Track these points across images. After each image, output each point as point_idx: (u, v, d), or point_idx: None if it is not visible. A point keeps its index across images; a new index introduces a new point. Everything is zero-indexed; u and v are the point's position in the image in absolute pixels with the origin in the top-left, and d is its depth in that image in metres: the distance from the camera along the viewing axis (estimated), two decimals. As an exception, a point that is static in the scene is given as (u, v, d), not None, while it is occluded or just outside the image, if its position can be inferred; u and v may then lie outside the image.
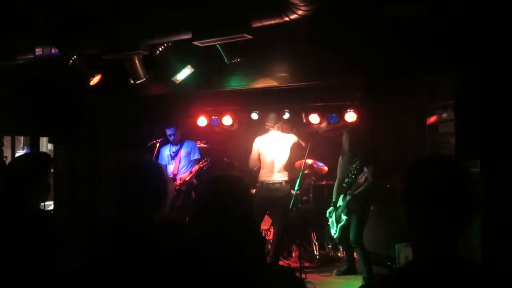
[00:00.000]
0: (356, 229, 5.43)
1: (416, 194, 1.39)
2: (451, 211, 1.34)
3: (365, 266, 5.35)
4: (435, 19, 4.00)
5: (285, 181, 5.72)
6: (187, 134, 7.07)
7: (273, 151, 5.81)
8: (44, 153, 2.99)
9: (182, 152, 6.54)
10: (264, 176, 5.78)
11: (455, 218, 1.35)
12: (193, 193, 6.45)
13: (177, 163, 6.51)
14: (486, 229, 3.65)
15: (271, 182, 5.70)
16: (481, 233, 3.75)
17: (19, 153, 8.88)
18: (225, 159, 7.21)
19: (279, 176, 5.72)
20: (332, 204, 5.74)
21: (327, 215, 5.76)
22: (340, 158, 5.83)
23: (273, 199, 5.63)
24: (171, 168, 6.50)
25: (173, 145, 6.60)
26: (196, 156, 6.57)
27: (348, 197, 5.42)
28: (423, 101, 6.16)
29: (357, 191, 5.37)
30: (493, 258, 3.55)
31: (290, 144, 5.81)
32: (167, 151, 6.66)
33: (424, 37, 4.22)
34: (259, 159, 5.86)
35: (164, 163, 6.50)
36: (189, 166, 6.54)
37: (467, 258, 1.37)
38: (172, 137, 6.52)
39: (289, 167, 5.88)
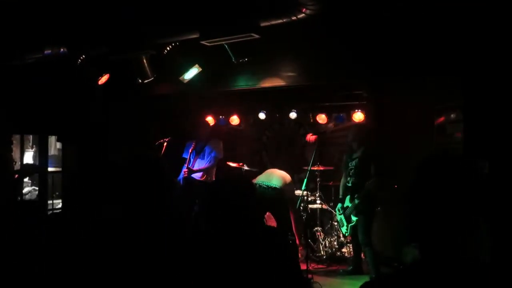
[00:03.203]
0: (364, 230, 5.41)
1: (425, 191, 1.37)
2: (460, 211, 1.32)
3: (373, 266, 5.33)
4: (442, 18, 3.99)
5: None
6: (214, 132, 7.09)
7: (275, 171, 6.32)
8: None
9: (207, 150, 6.56)
10: (261, 178, 6.10)
11: (463, 218, 1.32)
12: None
13: (197, 158, 6.53)
14: (494, 229, 3.63)
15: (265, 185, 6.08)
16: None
17: (28, 152, 8.94)
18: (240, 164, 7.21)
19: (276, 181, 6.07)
20: (339, 201, 5.78)
21: (337, 212, 5.78)
22: (345, 156, 5.88)
23: (268, 201, 5.84)
24: (191, 162, 6.53)
25: (200, 142, 6.60)
26: (215, 154, 6.56)
27: (356, 201, 5.41)
28: (431, 102, 6.12)
29: (363, 193, 5.36)
30: (501, 258, 3.53)
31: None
32: (191, 145, 6.66)
33: (431, 37, 4.20)
34: None
35: (186, 157, 6.53)
36: (207, 161, 6.54)
37: (475, 258, 1.36)
38: (200, 136, 6.56)
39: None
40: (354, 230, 5.58)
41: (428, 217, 1.36)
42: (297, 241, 6.29)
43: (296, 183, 6.86)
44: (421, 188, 1.39)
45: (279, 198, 6.12)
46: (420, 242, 1.41)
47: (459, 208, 1.32)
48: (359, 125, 5.95)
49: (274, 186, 6.14)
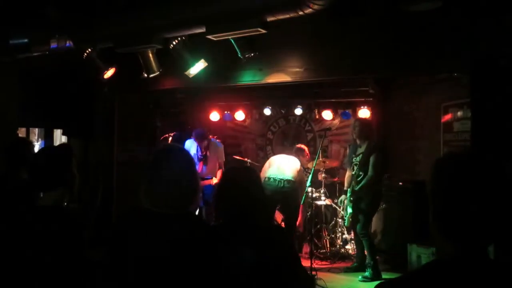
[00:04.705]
0: (363, 224, 5.52)
1: (448, 192, 1.29)
2: (486, 213, 1.24)
3: (370, 254, 5.48)
4: (450, 14, 3.95)
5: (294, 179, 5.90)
6: (214, 130, 7.12)
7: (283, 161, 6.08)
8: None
9: (210, 156, 6.56)
10: (271, 172, 5.92)
11: (489, 221, 1.25)
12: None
13: (202, 165, 6.56)
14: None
15: (279, 179, 5.86)
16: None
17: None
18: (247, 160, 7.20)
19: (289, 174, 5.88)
20: (344, 193, 5.85)
21: (339, 203, 5.85)
22: (348, 148, 5.91)
23: (283, 194, 5.76)
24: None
25: (201, 150, 6.61)
26: (220, 159, 6.61)
27: (349, 192, 5.52)
28: (438, 99, 6.09)
29: (358, 186, 5.41)
30: (507, 256, 3.50)
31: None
32: (193, 150, 6.65)
33: (439, 33, 4.17)
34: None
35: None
36: (214, 167, 6.59)
37: (495, 260, 1.31)
38: (199, 144, 6.55)
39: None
40: (352, 223, 5.67)
41: (451, 218, 1.28)
42: (298, 224, 6.11)
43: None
44: (445, 187, 1.31)
45: (293, 190, 5.85)
46: (440, 242, 1.34)
47: (486, 210, 1.24)
48: (362, 120, 5.96)
49: (288, 178, 5.84)
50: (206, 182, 6.41)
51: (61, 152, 2.51)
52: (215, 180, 6.43)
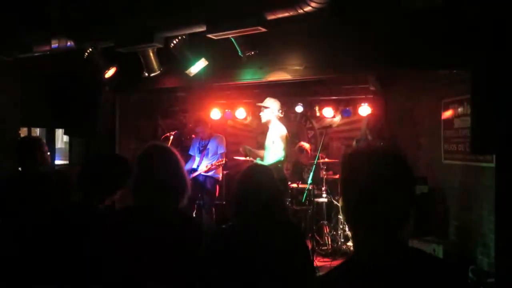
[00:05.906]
0: None
1: (353, 185, 1.35)
2: (389, 204, 1.30)
3: None
4: (451, 10, 3.95)
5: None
6: (215, 128, 7.19)
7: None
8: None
9: (210, 147, 6.63)
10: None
11: (393, 211, 1.31)
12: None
13: (203, 156, 6.62)
14: (501, 224, 3.61)
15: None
16: (495, 228, 3.72)
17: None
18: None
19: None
20: None
21: None
22: (354, 143, 5.89)
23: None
24: (197, 160, 6.62)
25: (202, 140, 6.71)
26: (221, 150, 6.64)
27: None
28: (438, 96, 6.10)
29: None
30: (508, 253, 3.52)
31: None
32: (197, 143, 6.78)
33: (440, 29, 4.17)
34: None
35: (193, 154, 6.72)
36: (215, 159, 6.61)
37: (411, 248, 1.36)
38: (200, 134, 6.65)
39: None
40: None
41: (358, 211, 1.34)
42: None
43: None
44: (350, 181, 1.37)
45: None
46: (353, 234, 1.38)
47: (389, 201, 1.30)
48: (375, 116, 5.98)
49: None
50: (194, 173, 6.43)
51: (122, 160, 2.80)
52: (203, 169, 6.44)
